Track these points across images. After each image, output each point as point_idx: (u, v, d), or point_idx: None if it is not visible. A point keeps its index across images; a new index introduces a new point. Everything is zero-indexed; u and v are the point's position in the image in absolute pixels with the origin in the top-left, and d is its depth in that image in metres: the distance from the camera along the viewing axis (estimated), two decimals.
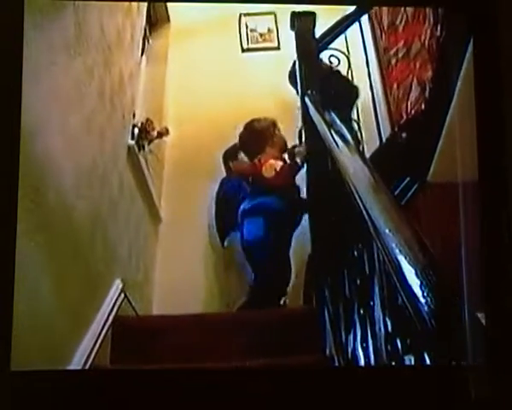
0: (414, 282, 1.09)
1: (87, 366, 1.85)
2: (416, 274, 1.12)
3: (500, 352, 1.46)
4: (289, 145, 2.90)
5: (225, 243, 2.81)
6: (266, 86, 3.08)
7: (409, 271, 1.13)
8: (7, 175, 1.50)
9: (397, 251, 1.19)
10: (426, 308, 1.03)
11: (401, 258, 1.16)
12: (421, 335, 1.07)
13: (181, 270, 2.67)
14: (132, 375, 1.62)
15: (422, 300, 1.04)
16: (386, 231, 1.28)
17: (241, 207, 2.78)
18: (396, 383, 1.48)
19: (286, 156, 2.89)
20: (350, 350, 1.81)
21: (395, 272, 1.19)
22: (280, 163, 2.85)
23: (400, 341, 1.30)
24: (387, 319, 1.40)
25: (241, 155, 2.90)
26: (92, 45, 2.15)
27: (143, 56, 3.07)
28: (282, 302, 2.56)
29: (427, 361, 1.10)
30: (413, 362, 1.20)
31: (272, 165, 2.83)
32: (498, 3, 1.62)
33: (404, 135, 2.61)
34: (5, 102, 1.52)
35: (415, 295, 1.07)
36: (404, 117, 2.69)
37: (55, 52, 1.83)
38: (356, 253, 1.73)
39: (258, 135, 2.88)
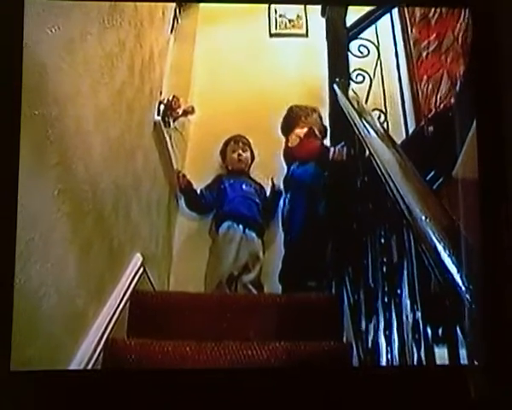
0: (454, 270, 1.08)
1: (104, 337, 1.86)
2: (454, 262, 1.11)
3: (500, 352, 1.45)
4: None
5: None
6: (292, 72, 3.07)
7: (448, 259, 1.11)
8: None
9: (434, 238, 1.18)
10: (468, 296, 1.02)
11: (439, 246, 1.15)
12: (459, 323, 1.06)
13: (199, 249, 2.67)
14: (133, 375, 1.62)
15: (464, 288, 1.03)
16: (423, 217, 1.27)
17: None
18: (395, 383, 1.48)
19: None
20: (370, 339, 1.81)
21: (433, 260, 1.17)
22: (305, 130, 2.80)
23: (431, 329, 1.29)
24: (416, 308, 1.39)
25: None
26: (125, 19, 2.15)
27: (172, 35, 3.06)
28: (311, 285, 2.49)
29: (463, 352, 1.09)
30: (446, 353, 1.19)
31: (298, 134, 2.79)
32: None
33: (431, 129, 2.58)
34: None
35: (456, 283, 1.06)
36: (433, 111, 2.66)
37: (91, 22, 1.83)
38: (383, 240, 1.72)
39: (294, 114, 2.84)
